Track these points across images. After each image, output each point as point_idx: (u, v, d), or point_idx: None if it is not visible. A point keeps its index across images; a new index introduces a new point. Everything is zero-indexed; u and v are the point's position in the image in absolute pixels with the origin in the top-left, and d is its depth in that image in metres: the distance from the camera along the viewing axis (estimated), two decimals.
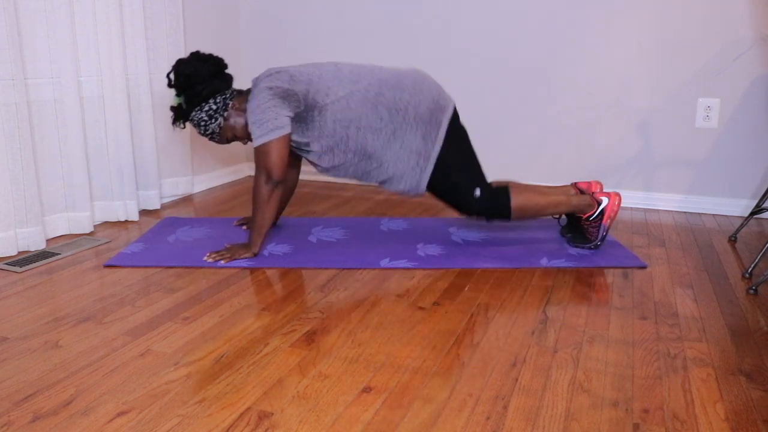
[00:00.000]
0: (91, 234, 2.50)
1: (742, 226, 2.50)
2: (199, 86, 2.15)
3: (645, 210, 2.96)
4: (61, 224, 2.47)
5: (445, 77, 3.19)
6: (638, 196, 3.01)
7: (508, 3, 3.02)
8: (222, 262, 2.14)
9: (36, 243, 2.29)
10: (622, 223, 2.72)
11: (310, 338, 1.62)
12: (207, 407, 1.32)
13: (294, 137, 2.14)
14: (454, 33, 3.14)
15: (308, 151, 2.18)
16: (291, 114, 2.09)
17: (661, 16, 2.83)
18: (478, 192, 2.17)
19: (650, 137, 2.95)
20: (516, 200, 2.17)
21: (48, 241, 2.40)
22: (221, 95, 2.18)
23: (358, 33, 3.29)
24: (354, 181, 2.29)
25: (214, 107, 2.17)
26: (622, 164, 3.01)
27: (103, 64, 2.55)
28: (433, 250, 2.30)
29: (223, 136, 2.22)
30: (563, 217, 2.55)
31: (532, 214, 2.21)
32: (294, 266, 2.13)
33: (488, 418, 1.29)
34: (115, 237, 2.46)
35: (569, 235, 2.39)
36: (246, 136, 2.22)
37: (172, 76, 2.31)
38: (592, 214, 2.24)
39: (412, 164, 2.15)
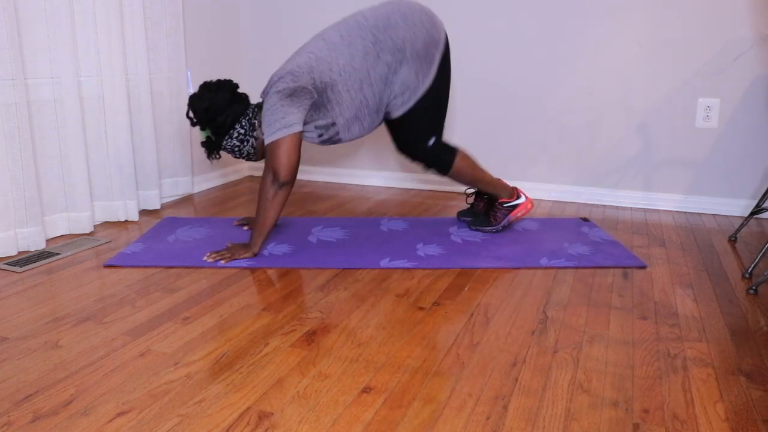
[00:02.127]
0: (91, 234, 2.50)
1: (742, 226, 2.50)
2: (221, 117, 2.18)
3: (645, 210, 2.96)
4: (61, 224, 2.47)
5: None
6: (638, 196, 3.01)
7: (508, 3, 3.02)
8: (222, 262, 2.14)
9: (36, 243, 2.29)
10: (622, 223, 2.72)
11: (310, 338, 1.62)
12: (207, 407, 1.31)
13: (318, 122, 2.17)
14: (454, 32, 3.14)
15: (336, 132, 2.22)
16: (304, 111, 2.11)
17: (661, 16, 2.83)
18: (432, 141, 2.31)
19: (650, 137, 2.95)
20: (458, 163, 2.35)
21: (48, 241, 2.40)
22: (245, 117, 2.21)
23: None
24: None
25: (242, 131, 2.21)
26: (622, 164, 3.01)
27: (103, 64, 2.55)
28: (433, 250, 2.30)
29: (260, 155, 2.29)
30: (471, 198, 2.90)
31: (465, 179, 2.40)
32: (294, 266, 2.13)
33: (488, 418, 1.29)
34: (115, 237, 2.46)
35: (469, 219, 2.60)
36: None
37: (191, 114, 2.31)
38: (509, 201, 2.48)
39: (399, 97, 2.22)
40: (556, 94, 3.04)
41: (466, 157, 2.37)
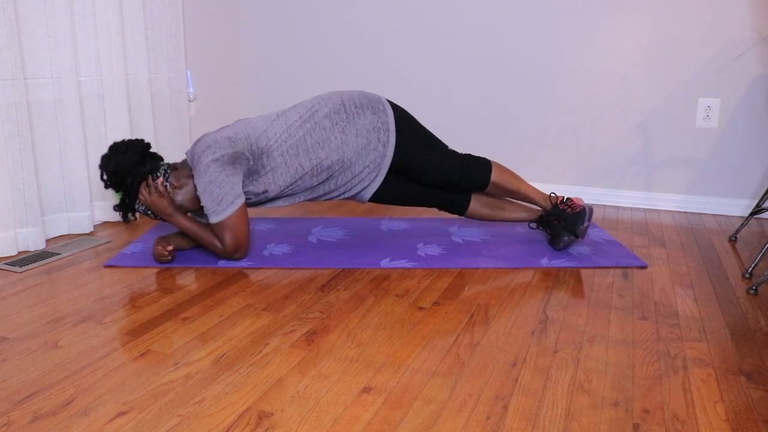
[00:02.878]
0: (91, 234, 2.50)
1: (742, 226, 2.50)
2: (128, 179, 2.08)
3: (645, 210, 2.96)
4: (61, 224, 2.47)
5: (445, 77, 3.19)
6: (638, 196, 3.01)
7: (508, 3, 3.02)
8: (167, 250, 2.10)
9: (36, 243, 2.29)
10: (622, 223, 2.72)
11: (310, 338, 1.62)
12: (207, 407, 1.31)
13: (249, 189, 2.10)
14: (454, 33, 3.14)
15: (267, 199, 2.16)
16: (242, 177, 2.06)
17: (661, 16, 2.83)
18: (446, 150, 2.22)
19: (650, 137, 2.95)
20: (494, 165, 2.27)
21: (48, 241, 2.40)
22: (155, 180, 2.10)
23: (359, 31, 3.29)
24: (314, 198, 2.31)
25: None
26: (622, 164, 3.01)
27: (103, 64, 2.55)
28: (433, 250, 2.30)
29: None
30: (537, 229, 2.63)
31: (510, 184, 2.31)
32: (294, 266, 2.13)
33: (488, 418, 1.29)
34: (115, 237, 2.46)
35: (559, 244, 2.34)
36: (197, 207, 2.16)
37: (104, 176, 2.17)
38: (558, 199, 2.31)
39: (374, 143, 2.14)
40: (556, 94, 3.04)
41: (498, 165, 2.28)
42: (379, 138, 2.14)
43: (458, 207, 2.31)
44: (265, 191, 2.12)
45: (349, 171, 2.17)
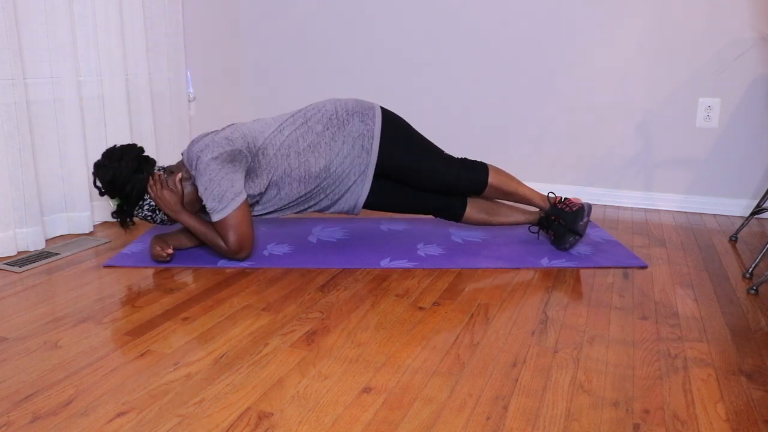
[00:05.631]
0: (90, 234, 2.50)
1: (742, 226, 2.50)
2: (128, 187, 2.07)
3: (645, 210, 2.96)
4: (61, 224, 2.47)
5: (445, 78, 3.19)
6: (638, 196, 3.00)
7: (509, 4, 3.02)
8: (166, 252, 2.10)
9: (35, 243, 2.28)
10: (622, 223, 2.71)
11: (310, 338, 1.62)
12: (207, 407, 1.31)
13: (249, 192, 2.08)
14: (454, 34, 3.13)
15: (256, 201, 2.14)
16: (243, 174, 2.04)
17: (661, 16, 2.83)
18: (442, 155, 2.22)
19: (650, 137, 2.95)
20: (491, 168, 2.28)
21: (47, 241, 2.40)
22: None
23: (359, 31, 3.29)
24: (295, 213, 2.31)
25: (152, 201, 2.11)
26: (622, 164, 3.01)
27: (103, 64, 2.55)
28: (433, 250, 2.30)
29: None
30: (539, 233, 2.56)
31: (508, 185, 2.31)
32: (294, 266, 2.13)
33: (488, 419, 1.29)
34: (115, 237, 2.46)
35: (563, 244, 2.33)
36: (195, 209, 2.16)
37: (99, 184, 2.16)
38: (557, 199, 2.32)
39: (357, 150, 2.14)
40: (556, 94, 3.04)
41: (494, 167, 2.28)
42: (363, 145, 2.13)
43: (454, 213, 2.30)
44: (261, 193, 2.11)
45: (337, 180, 2.15)
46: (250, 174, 2.08)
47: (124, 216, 2.13)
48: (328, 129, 2.13)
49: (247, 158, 2.04)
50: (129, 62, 2.68)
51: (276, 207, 2.18)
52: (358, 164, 2.15)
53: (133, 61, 2.69)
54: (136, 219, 2.68)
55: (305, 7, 3.36)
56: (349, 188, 2.19)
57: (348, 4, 3.28)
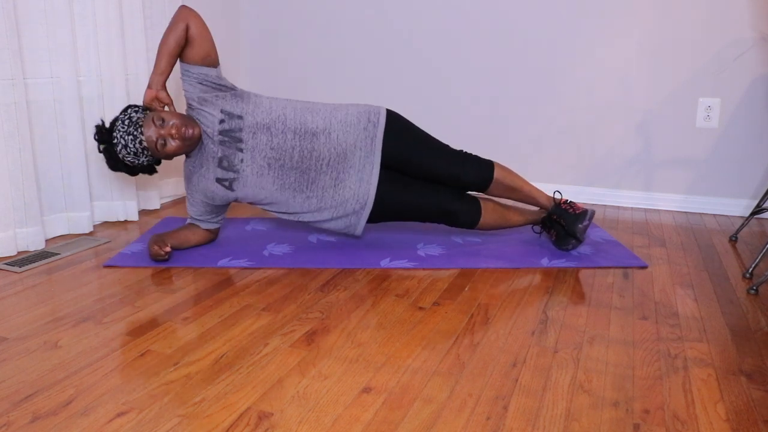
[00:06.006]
0: (90, 234, 2.50)
1: (742, 226, 2.50)
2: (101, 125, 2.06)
3: (645, 210, 2.96)
4: (61, 224, 2.47)
5: (445, 78, 3.19)
6: (638, 196, 3.00)
7: (509, 4, 3.02)
8: (164, 251, 2.09)
9: (35, 243, 2.28)
10: (622, 223, 2.71)
11: (310, 338, 1.62)
12: (207, 407, 1.31)
13: (226, 107, 2.06)
14: (454, 34, 3.13)
15: (239, 129, 2.05)
16: (219, 79, 2.11)
17: (661, 16, 2.83)
18: (449, 147, 2.23)
19: (650, 137, 2.95)
20: (497, 164, 2.28)
21: (47, 241, 2.40)
22: (119, 120, 2.03)
23: (359, 29, 3.29)
24: (291, 214, 2.21)
25: (122, 130, 2.02)
26: (622, 164, 3.01)
27: (102, 64, 2.55)
28: (433, 250, 2.30)
29: (162, 155, 2.07)
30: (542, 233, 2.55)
31: (513, 181, 2.33)
32: (294, 266, 2.13)
33: (488, 419, 1.29)
34: (115, 237, 2.46)
35: (565, 246, 2.31)
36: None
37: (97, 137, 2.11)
38: (563, 201, 2.31)
39: (363, 124, 2.14)
40: (556, 94, 3.04)
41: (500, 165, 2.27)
42: (369, 119, 2.15)
43: (471, 218, 2.23)
44: (241, 116, 2.06)
45: (342, 154, 2.08)
46: (235, 97, 2.11)
47: (109, 158, 2.06)
48: (328, 105, 2.18)
49: (234, 89, 2.13)
50: (129, 62, 2.68)
51: (268, 160, 2.07)
52: (363, 138, 2.12)
53: (133, 61, 2.68)
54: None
55: (305, 7, 3.36)
56: (357, 171, 2.11)
57: (350, 5, 3.28)
